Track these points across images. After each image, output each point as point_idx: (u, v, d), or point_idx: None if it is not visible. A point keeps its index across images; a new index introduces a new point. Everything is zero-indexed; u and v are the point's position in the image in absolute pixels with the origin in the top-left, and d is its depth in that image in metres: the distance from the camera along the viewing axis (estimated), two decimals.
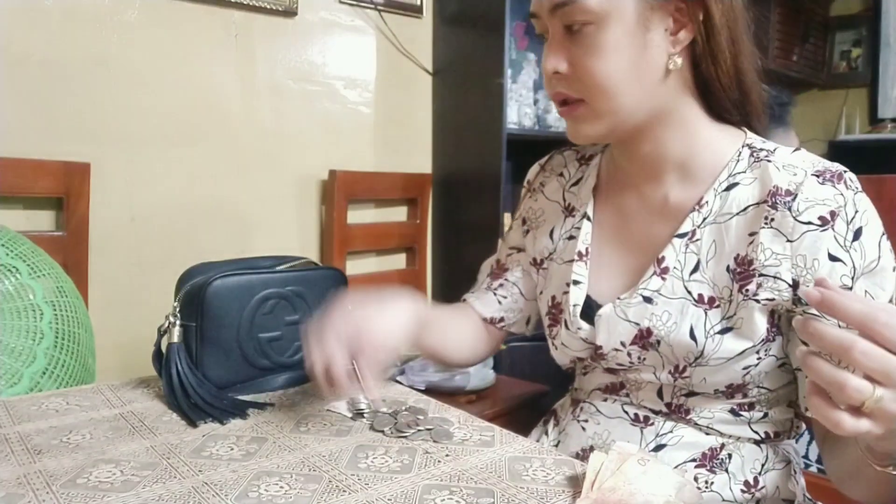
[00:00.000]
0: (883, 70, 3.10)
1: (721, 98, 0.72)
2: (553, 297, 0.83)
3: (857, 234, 0.66)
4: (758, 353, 0.70)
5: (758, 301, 0.68)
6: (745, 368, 0.70)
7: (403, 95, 1.99)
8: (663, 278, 0.73)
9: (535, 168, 0.94)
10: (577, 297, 0.79)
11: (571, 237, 0.83)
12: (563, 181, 0.88)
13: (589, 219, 0.82)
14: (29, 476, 0.57)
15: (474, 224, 1.95)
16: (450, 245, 2.06)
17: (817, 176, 0.67)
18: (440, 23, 2.02)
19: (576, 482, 0.59)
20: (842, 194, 0.66)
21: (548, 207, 0.89)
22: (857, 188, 0.67)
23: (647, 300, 0.73)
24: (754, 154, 0.72)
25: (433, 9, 2.02)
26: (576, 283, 0.80)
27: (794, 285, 0.67)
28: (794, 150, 0.71)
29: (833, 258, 0.65)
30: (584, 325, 0.78)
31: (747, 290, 0.68)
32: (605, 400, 0.81)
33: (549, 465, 0.62)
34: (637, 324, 0.74)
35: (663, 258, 0.73)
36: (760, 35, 2.79)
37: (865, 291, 0.66)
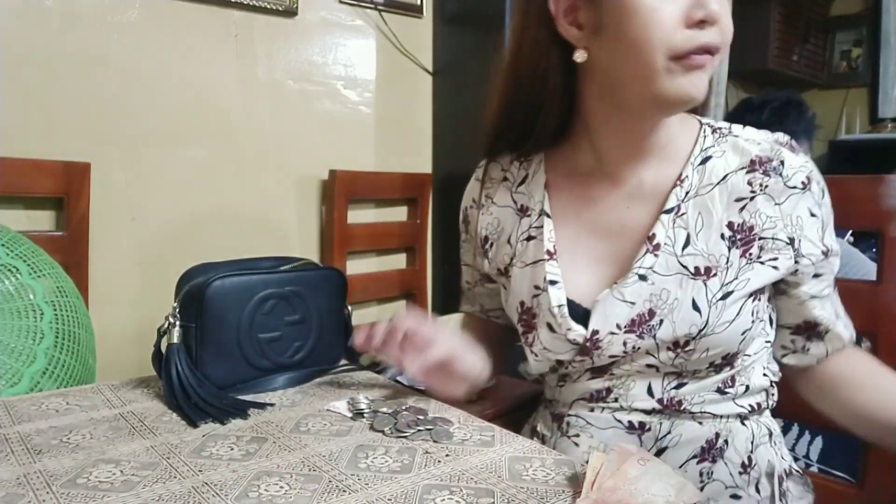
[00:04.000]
0: (883, 70, 3.10)
1: None
2: (522, 304, 0.79)
3: (824, 192, 0.76)
4: (752, 312, 0.73)
5: (762, 263, 0.73)
6: (742, 333, 0.72)
7: (403, 95, 1.99)
8: (656, 255, 0.73)
9: (473, 185, 0.91)
10: (558, 297, 0.76)
11: (530, 237, 0.81)
12: (509, 184, 0.86)
13: (548, 216, 0.80)
14: (29, 476, 0.57)
15: None
16: (450, 245, 2.05)
17: (782, 145, 0.75)
18: (440, 23, 2.02)
19: (576, 482, 0.59)
20: (805, 161, 0.75)
21: (502, 215, 0.85)
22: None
23: (643, 278, 0.73)
24: (716, 131, 0.78)
25: (433, 9, 2.02)
26: (553, 283, 0.77)
27: (791, 242, 0.73)
28: (743, 127, 0.78)
29: (812, 214, 0.74)
30: (575, 325, 0.74)
31: (750, 255, 0.73)
32: (593, 410, 0.79)
33: (549, 465, 0.62)
34: (633, 303, 0.72)
35: (654, 235, 0.74)
36: (760, 35, 2.79)
37: (829, 248, 0.75)
